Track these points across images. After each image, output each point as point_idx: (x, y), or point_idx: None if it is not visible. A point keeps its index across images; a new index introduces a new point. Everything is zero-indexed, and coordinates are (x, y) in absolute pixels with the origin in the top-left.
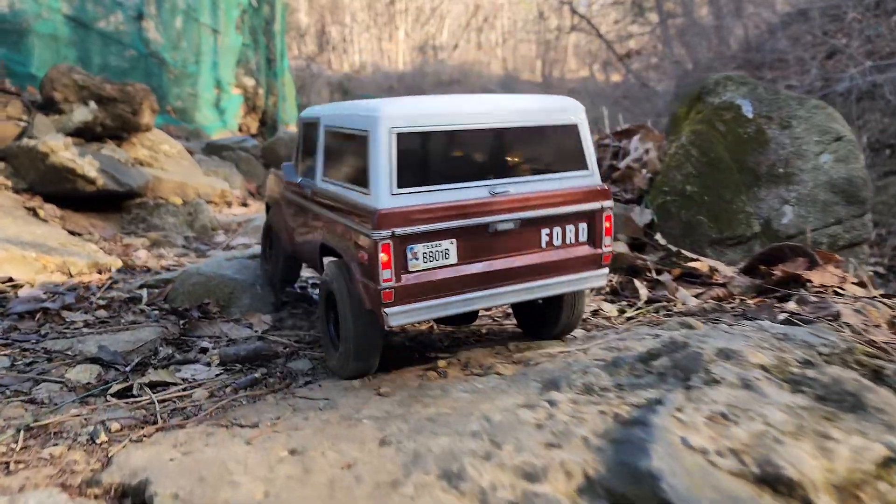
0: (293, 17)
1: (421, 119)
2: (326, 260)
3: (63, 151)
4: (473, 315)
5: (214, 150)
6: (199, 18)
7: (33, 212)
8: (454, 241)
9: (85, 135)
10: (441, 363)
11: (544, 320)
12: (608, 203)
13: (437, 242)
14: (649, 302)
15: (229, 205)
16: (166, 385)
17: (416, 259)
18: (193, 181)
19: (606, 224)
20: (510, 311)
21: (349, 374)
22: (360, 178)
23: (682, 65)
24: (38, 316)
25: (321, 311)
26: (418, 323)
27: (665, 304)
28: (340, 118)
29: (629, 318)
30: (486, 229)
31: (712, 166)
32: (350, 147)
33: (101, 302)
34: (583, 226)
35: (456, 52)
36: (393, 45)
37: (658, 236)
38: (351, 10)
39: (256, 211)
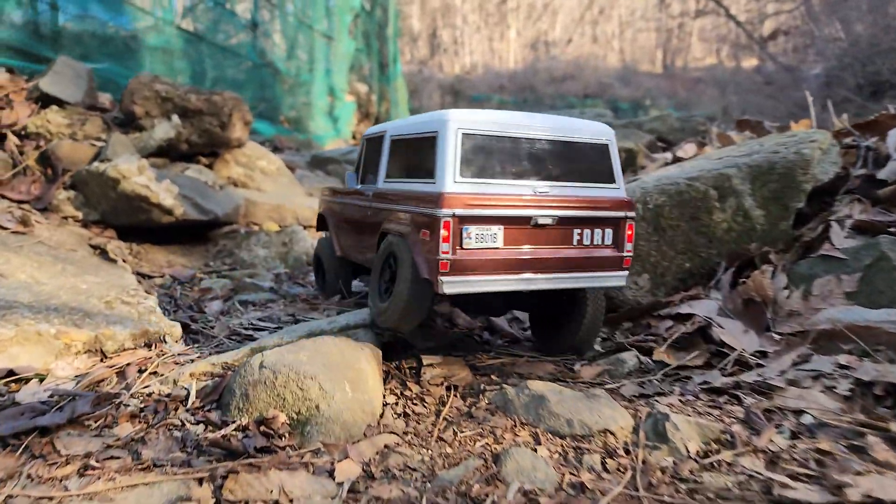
0: (406, 22)
1: (482, 123)
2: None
3: (136, 176)
4: (504, 309)
5: (319, 163)
6: (312, 25)
7: (100, 250)
8: (501, 227)
9: (170, 154)
10: None
11: (562, 330)
12: (632, 213)
13: (488, 227)
14: None
15: None
16: None
17: (470, 238)
18: (292, 202)
19: (629, 232)
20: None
21: (389, 325)
22: (426, 172)
23: (838, 43)
24: (22, 445)
25: (376, 266)
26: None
27: None
28: (408, 127)
29: None
30: (529, 221)
31: None
32: (416, 148)
33: (131, 405)
34: (609, 231)
35: (569, 48)
36: (504, 44)
37: None
38: (462, 12)
39: None
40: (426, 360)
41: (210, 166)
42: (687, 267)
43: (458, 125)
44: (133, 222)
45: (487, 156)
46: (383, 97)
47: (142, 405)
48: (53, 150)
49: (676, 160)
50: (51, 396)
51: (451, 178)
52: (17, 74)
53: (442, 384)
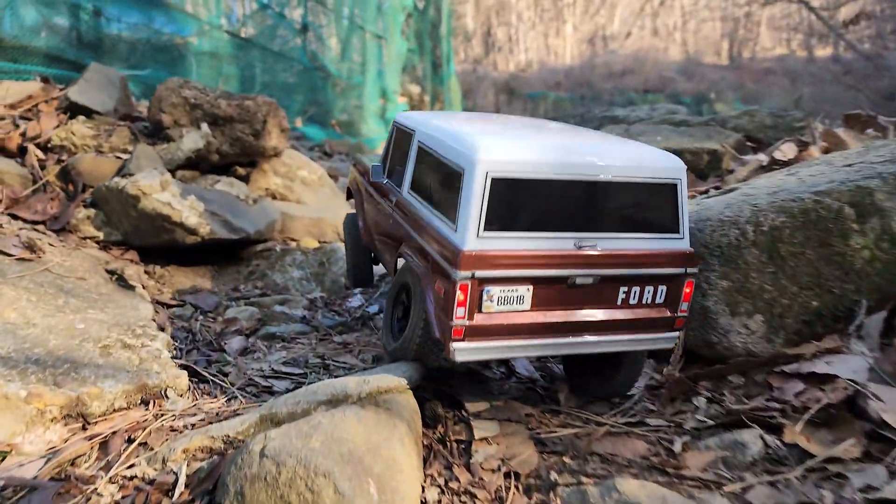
0: (459, 21)
1: (519, 165)
2: (402, 262)
3: (158, 193)
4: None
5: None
6: (364, 26)
7: (116, 276)
8: (530, 287)
9: (200, 166)
10: None
11: (600, 375)
12: (693, 269)
13: (514, 287)
14: None
15: None
16: None
17: (491, 301)
18: (333, 215)
19: (687, 290)
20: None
21: (394, 357)
22: (449, 210)
23: None
24: None
25: (390, 295)
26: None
27: None
28: (436, 142)
29: None
30: (565, 281)
31: None
32: (442, 174)
33: (105, 497)
34: (662, 288)
35: (628, 41)
36: (560, 40)
37: None
38: (517, 9)
39: None
40: (478, 430)
41: (247, 177)
42: (814, 306)
43: (487, 167)
44: (156, 243)
45: (522, 204)
46: (436, 98)
47: (119, 496)
48: (74, 165)
49: (774, 163)
50: (2, 489)
51: (474, 233)
52: (53, 84)
53: (499, 469)
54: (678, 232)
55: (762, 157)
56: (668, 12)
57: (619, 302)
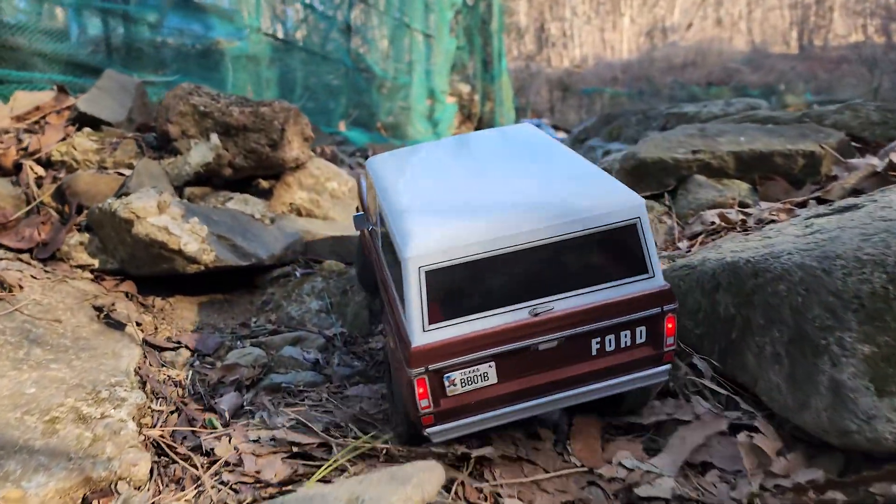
0: (512, 18)
1: (452, 252)
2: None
3: (153, 216)
4: None
5: None
6: (410, 24)
7: (104, 314)
8: (492, 364)
9: (212, 181)
10: None
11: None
12: (671, 305)
13: (475, 368)
14: None
15: None
16: None
17: (455, 385)
18: (356, 231)
19: (669, 325)
20: None
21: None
22: (401, 295)
23: None
24: None
25: (386, 375)
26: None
27: None
28: (385, 211)
29: None
30: (528, 349)
31: None
32: (392, 252)
33: None
34: (641, 329)
35: (690, 32)
36: (617, 33)
37: None
38: (571, 3)
39: None
40: None
41: (271, 191)
42: None
43: (419, 263)
44: (156, 272)
45: (465, 287)
46: (487, 96)
47: None
48: (69, 184)
49: (893, 169)
50: None
51: (419, 328)
52: (69, 93)
53: None
54: (647, 272)
55: (875, 161)
56: (732, 1)
57: (594, 353)
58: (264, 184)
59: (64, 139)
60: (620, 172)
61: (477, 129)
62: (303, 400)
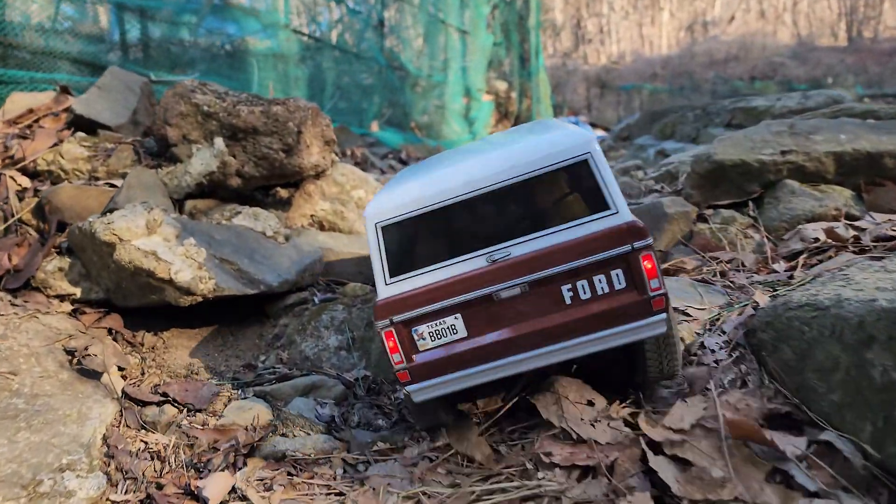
0: (548, 15)
1: (401, 208)
2: None
3: (140, 238)
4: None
5: None
6: (445, 19)
7: (77, 360)
8: (458, 315)
9: (218, 192)
10: None
11: (631, 369)
12: (642, 241)
13: (441, 320)
14: None
15: None
16: None
17: (424, 339)
18: None
19: (647, 264)
20: None
21: (420, 427)
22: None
23: None
24: None
25: None
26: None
27: None
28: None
29: None
30: (492, 298)
31: None
32: None
33: None
34: (616, 272)
35: (732, 26)
36: (655, 28)
37: None
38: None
39: None
40: None
41: (290, 201)
42: None
43: (375, 220)
44: (145, 304)
45: (418, 242)
46: (524, 94)
47: None
48: (49, 198)
49: None
50: None
51: (382, 282)
52: (72, 94)
53: None
54: (609, 208)
55: None
56: None
57: (568, 301)
58: (282, 193)
59: (56, 145)
60: (692, 177)
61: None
62: (311, 477)
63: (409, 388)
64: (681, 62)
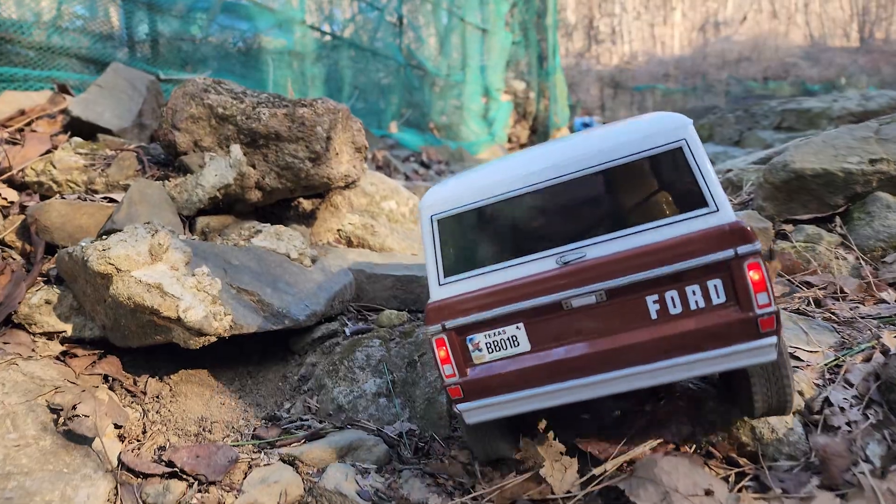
0: (560, 15)
1: (462, 199)
2: None
3: (141, 269)
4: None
5: None
6: (464, 17)
7: (63, 421)
8: (521, 325)
9: (236, 207)
10: None
11: (735, 395)
12: (748, 247)
13: (501, 329)
14: None
15: None
16: None
17: (480, 350)
18: (424, 270)
19: (754, 275)
20: None
21: (480, 460)
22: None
23: None
24: None
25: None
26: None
27: None
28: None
29: None
30: (561, 306)
31: None
32: None
33: None
34: (715, 283)
35: (744, 26)
36: (668, 28)
37: None
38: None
39: None
40: None
41: (314, 214)
42: None
43: (430, 212)
44: (148, 344)
45: (481, 236)
46: (542, 94)
47: None
48: (36, 216)
49: None
50: None
51: (436, 282)
52: (71, 93)
53: None
54: (706, 205)
55: None
56: None
57: (654, 316)
58: (306, 205)
59: (49, 152)
60: (765, 187)
61: (532, 127)
62: None
63: (460, 406)
64: (693, 63)
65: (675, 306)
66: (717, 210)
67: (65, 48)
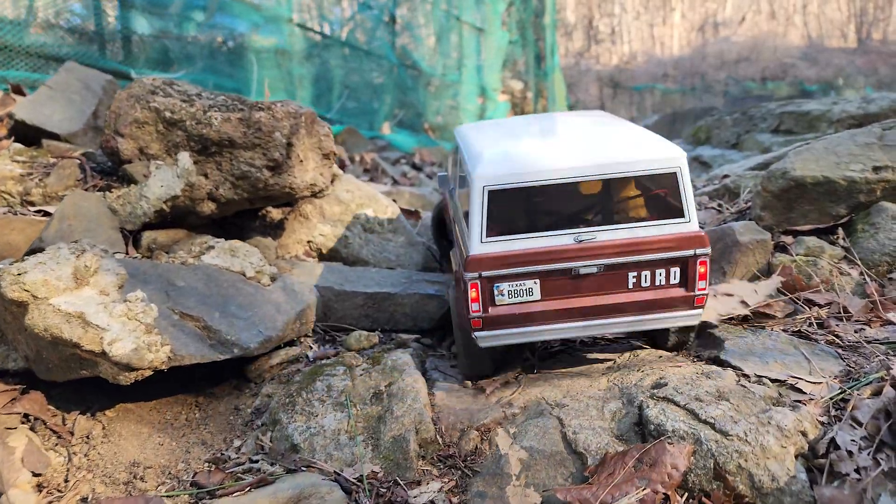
0: (559, 15)
1: (512, 176)
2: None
3: (62, 295)
4: None
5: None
6: (459, 16)
7: None
8: (537, 281)
9: (188, 220)
10: None
11: (657, 338)
12: (703, 250)
13: (522, 282)
14: None
15: None
16: None
17: (503, 295)
18: (407, 286)
19: (701, 269)
20: None
21: (466, 374)
22: (466, 213)
23: None
24: None
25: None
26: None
27: None
28: (463, 154)
29: None
30: (570, 272)
31: None
32: (466, 184)
33: None
34: (675, 270)
35: (743, 27)
36: (667, 28)
37: None
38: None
39: None
40: None
41: (282, 224)
42: None
43: (483, 182)
44: (73, 378)
45: (518, 209)
46: (540, 94)
47: None
48: None
49: None
50: None
51: (478, 239)
52: (24, 94)
53: None
54: (683, 216)
55: None
56: None
57: (630, 286)
58: (274, 214)
59: None
60: (762, 196)
61: None
62: None
63: (478, 333)
64: (692, 63)
65: (645, 281)
66: (689, 221)
67: (24, 46)
